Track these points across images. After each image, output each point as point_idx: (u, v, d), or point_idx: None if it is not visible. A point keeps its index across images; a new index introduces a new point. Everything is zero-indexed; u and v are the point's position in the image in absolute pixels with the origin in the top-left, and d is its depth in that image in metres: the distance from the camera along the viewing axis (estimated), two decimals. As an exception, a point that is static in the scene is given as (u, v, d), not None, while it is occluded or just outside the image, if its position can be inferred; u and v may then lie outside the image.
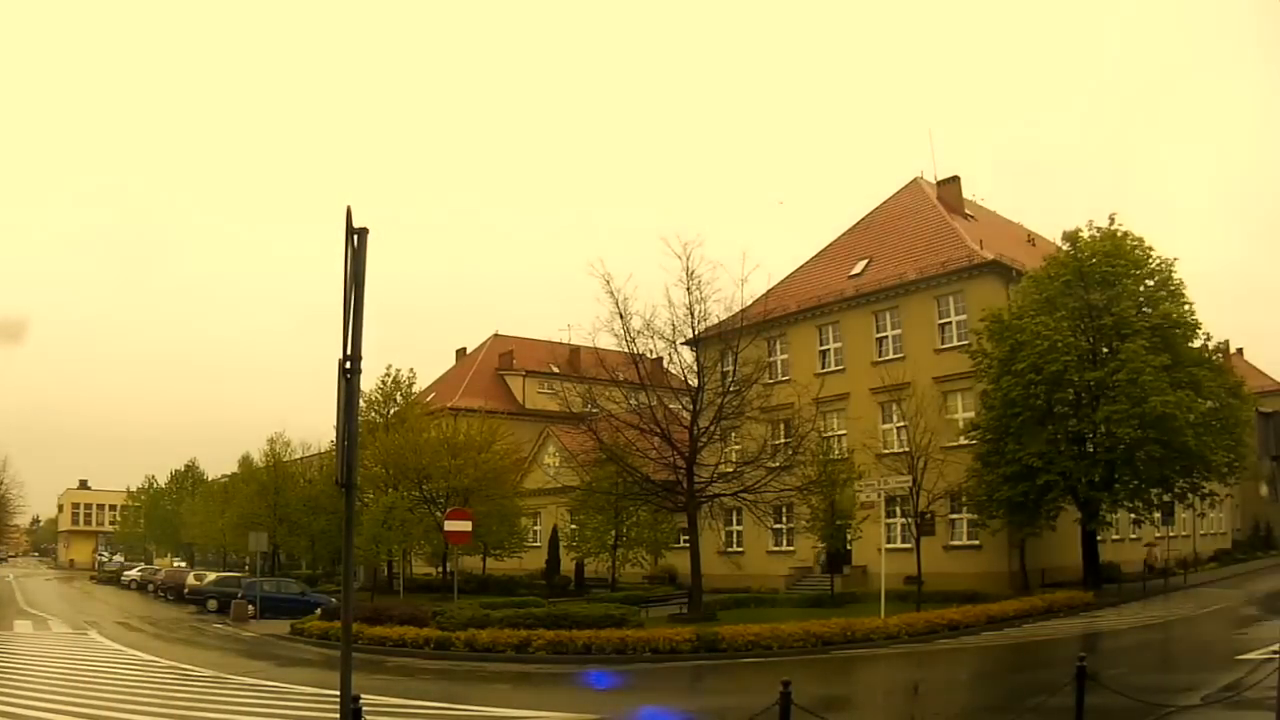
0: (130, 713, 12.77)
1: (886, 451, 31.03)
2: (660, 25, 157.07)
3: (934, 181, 39.55)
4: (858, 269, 37.63)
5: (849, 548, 31.68)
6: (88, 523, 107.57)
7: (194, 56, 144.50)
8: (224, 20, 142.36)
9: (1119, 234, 28.41)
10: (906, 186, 40.43)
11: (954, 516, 31.42)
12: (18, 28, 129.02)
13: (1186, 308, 28.11)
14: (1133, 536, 34.71)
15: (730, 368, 26.92)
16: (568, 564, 38.38)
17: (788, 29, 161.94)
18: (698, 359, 27.55)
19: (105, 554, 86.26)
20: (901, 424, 29.64)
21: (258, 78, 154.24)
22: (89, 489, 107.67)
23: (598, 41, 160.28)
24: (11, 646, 21.62)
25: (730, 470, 26.93)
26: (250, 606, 30.95)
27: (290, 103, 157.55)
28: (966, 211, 38.39)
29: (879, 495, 25.13)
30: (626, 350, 26.24)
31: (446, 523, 28.31)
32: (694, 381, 26.54)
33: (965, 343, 31.22)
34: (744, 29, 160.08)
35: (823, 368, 36.66)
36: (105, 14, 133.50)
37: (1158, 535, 34.53)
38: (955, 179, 39.23)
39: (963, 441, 30.71)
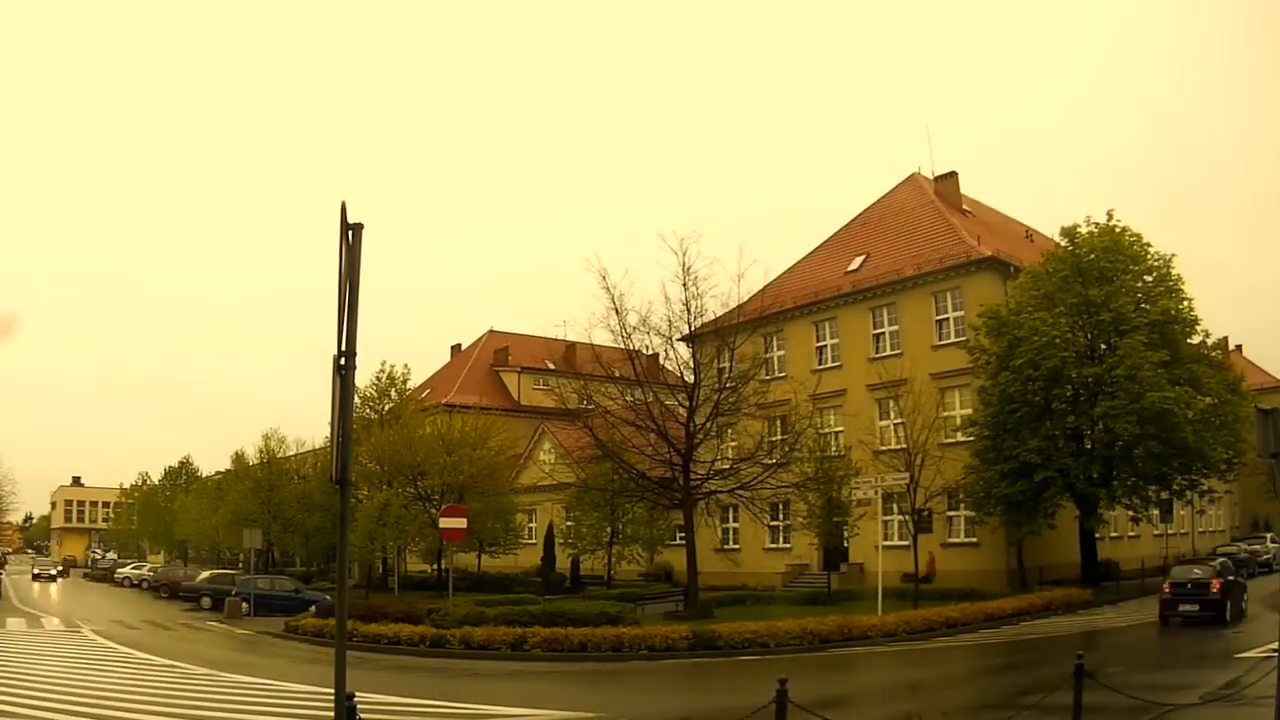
0: (125, 711, 12.67)
1: (884, 448, 31.02)
2: (658, 21, 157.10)
3: (931, 177, 39.44)
4: (855, 265, 37.53)
5: (846, 545, 31.66)
6: (81, 520, 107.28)
7: (193, 57, 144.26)
8: (225, 21, 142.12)
9: (1117, 230, 28.35)
10: (904, 182, 40.34)
11: (951, 514, 31.39)
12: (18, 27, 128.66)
13: (1185, 304, 28.08)
14: (1131, 534, 34.74)
15: (726, 364, 26.78)
16: (563, 561, 38.30)
17: (785, 24, 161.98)
18: (694, 355, 27.44)
19: (98, 551, 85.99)
20: (899, 420, 29.57)
21: (255, 71, 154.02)
22: (82, 486, 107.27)
23: (595, 38, 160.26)
24: (5, 645, 21.49)
25: (726, 467, 26.82)
26: (245, 604, 30.91)
27: (289, 97, 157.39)
28: (964, 207, 38.33)
29: (876, 492, 25.09)
30: (622, 346, 26.14)
31: (441, 520, 28.21)
32: (690, 378, 26.42)
33: (963, 339, 31.18)
34: (742, 25, 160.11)
35: (819, 364, 36.60)
36: (111, 15, 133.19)
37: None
38: (953, 174, 39.11)
39: (960, 438, 30.67)
